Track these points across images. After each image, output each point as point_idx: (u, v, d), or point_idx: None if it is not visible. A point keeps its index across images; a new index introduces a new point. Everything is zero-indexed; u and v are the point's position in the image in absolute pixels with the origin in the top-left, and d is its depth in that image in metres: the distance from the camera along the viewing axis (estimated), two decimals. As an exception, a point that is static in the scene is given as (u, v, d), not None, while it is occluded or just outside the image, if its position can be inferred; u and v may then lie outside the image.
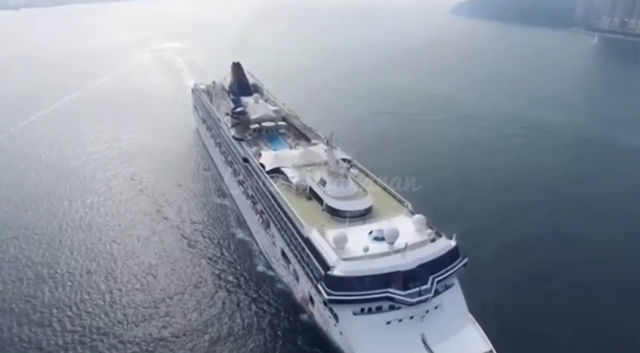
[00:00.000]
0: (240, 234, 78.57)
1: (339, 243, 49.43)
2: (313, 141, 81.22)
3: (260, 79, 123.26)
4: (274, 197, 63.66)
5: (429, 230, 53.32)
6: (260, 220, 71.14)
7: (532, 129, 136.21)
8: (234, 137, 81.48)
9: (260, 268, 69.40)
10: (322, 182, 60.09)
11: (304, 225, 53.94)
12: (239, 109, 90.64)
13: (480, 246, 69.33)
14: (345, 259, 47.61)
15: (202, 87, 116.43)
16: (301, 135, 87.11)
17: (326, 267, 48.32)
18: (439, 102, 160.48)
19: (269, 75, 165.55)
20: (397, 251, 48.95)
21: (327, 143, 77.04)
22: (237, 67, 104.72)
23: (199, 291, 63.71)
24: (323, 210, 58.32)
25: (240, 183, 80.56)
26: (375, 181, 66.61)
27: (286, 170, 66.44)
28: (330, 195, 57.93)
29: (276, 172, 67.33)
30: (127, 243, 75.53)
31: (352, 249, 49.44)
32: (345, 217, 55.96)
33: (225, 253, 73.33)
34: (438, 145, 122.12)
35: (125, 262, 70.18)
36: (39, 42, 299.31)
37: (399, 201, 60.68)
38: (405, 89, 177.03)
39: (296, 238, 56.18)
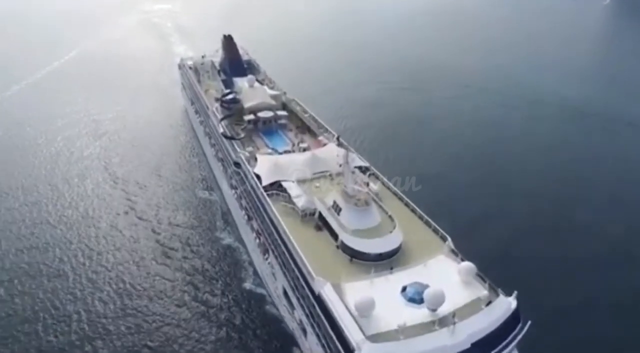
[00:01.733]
0: (227, 239, 67.49)
1: (364, 311, 36.17)
2: (320, 138, 66.86)
3: (257, 53, 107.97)
4: (273, 224, 50.06)
5: (480, 284, 40.01)
6: (257, 240, 57.98)
7: (557, 107, 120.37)
8: (223, 135, 66.79)
9: (248, 285, 59.27)
10: (336, 208, 46.30)
11: (314, 276, 40.53)
12: (230, 96, 75.56)
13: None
14: (373, 340, 34.39)
15: (190, 63, 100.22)
16: (305, 128, 72.65)
17: (347, 347, 35.20)
18: (445, 73, 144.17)
19: (266, 47, 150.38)
20: (442, 322, 35.80)
21: (338, 141, 63.81)
22: (228, 42, 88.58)
23: (173, 324, 53.09)
24: (337, 247, 44.77)
25: (233, 187, 66.78)
26: (400, 198, 52.76)
27: (288, 186, 52.38)
28: (347, 228, 44.27)
29: (276, 188, 53.30)
30: (84, 255, 63.71)
31: (381, 319, 36.20)
32: (367, 260, 42.56)
33: (208, 266, 62.38)
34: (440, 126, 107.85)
35: (78, 281, 58.79)
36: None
37: (434, 231, 47.07)
38: (419, 61, 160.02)
39: (303, 288, 43.01)
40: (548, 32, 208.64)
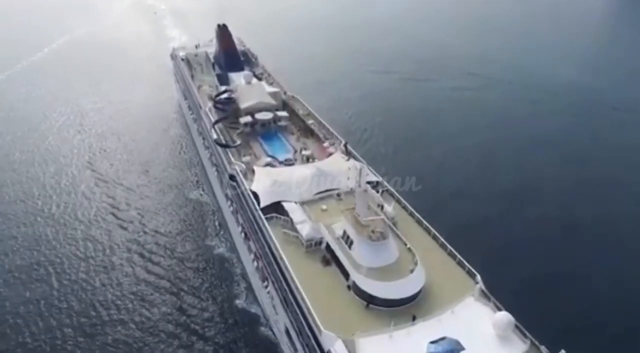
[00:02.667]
0: (219, 248, 62.06)
1: (383, 382, 29.80)
2: (325, 144, 59.82)
3: (254, 41, 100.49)
4: (273, 255, 43.45)
5: (520, 339, 33.55)
6: (254, 262, 51.56)
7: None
8: (217, 143, 59.59)
9: (241, 303, 53.95)
10: (347, 239, 39.60)
11: (322, 329, 34.06)
12: (225, 95, 68.21)
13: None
14: None
15: (182, 54, 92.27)
16: (308, 131, 65.53)
17: None
18: (451, 61, 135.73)
19: (263, 34, 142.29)
20: (479, 395, 29.52)
21: (345, 149, 56.81)
22: (223, 32, 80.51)
23: (154, 342, 48.40)
24: (349, 287, 38.24)
25: (228, 198, 60.08)
26: (418, 221, 46.07)
27: (290, 209, 45.55)
28: (361, 265, 37.65)
29: (276, 210, 46.48)
30: (52, 270, 57.72)
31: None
32: (385, 306, 36.09)
33: (196, 278, 57.22)
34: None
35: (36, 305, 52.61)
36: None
37: (460, 265, 40.55)
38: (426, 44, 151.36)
39: (309, 339, 36.63)
40: (559, 20, 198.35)
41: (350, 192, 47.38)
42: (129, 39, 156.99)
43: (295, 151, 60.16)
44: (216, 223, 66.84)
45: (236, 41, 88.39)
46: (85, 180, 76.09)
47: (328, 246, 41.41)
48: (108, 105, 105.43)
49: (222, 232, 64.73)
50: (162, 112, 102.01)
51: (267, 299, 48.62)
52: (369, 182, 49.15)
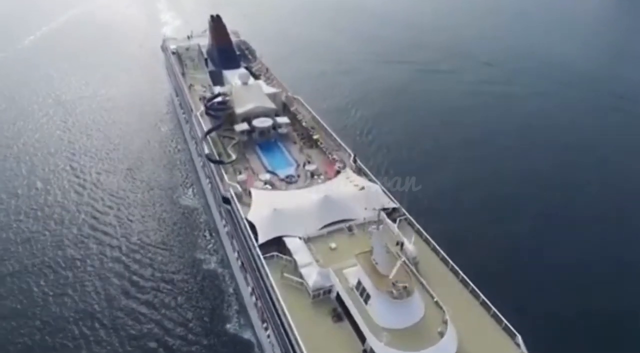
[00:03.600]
0: (210, 262, 55.90)
1: None
2: (332, 157, 52.62)
3: (251, 32, 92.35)
4: (274, 305, 36.75)
5: None
6: (252, 296, 45.03)
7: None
8: (208, 158, 52.32)
9: (232, 327, 47.95)
10: (362, 292, 32.91)
11: None
12: (218, 99, 60.68)
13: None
14: None
15: (173, 47, 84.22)
16: (311, 139, 58.39)
17: None
18: (462, 48, 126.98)
19: (261, 23, 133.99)
20: None
21: (355, 164, 49.82)
22: (217, 24, 72.61)
23: None
24: (365, 353, 31.65)
25: (223, 217, 53.26)
26: (443, 259, 39.25)
27: (293, 247, 38.63)
28: (381, 327, 31.00)
29: (276, 247, 39.61)
30: (24, 285, 52.15)
31: None
32: None
33: (182, 298, 50.95)
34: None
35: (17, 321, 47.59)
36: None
37: (494, 318, 33.90)
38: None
39: None
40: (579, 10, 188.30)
41: (364, 223, 40.69)
42: (119, 23, 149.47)
43: (298, 165, 53.12)
44: (207, 234, 60.32)
45: (232, 33, 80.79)
46: (62, 183, 69.50)
47: (339, 296, 34.71)
48: (94, 96, 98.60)
49: (213, 244, 58.28)
50: (153, 105, 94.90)
51: (268, 344, 42.18)
52: (384, 209, 42.47)
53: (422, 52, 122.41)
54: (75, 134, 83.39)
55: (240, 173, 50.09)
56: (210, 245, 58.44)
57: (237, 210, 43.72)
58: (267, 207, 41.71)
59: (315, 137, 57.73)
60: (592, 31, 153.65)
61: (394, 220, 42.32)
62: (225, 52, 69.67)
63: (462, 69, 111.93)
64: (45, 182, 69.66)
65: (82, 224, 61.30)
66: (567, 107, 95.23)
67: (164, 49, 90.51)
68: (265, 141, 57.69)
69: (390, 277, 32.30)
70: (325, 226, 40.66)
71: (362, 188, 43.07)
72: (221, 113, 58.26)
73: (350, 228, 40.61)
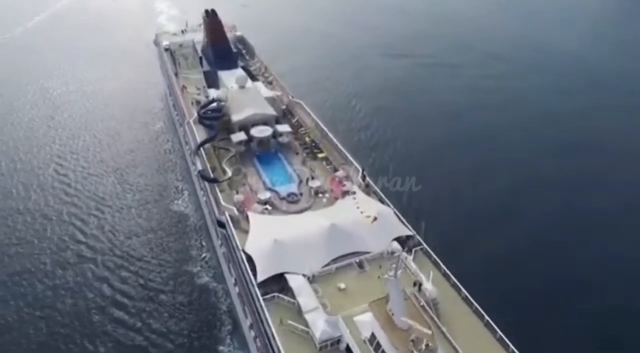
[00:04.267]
0: (202, 276, 51.58)
1: None
2: (338, 173, 47.72)
3: (250, 27, 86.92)
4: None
5: None
6: (252, 332, 40.49)
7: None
8: (201, 176, 47.36)
9: (226, 350, 43.94)
10: (377, 348, 28.47)
11: None
12: (213, 105, 55.53)
13: None
14: None
15: (166, 43, 78.63)
16: (315, 149, 53.55)
17: None
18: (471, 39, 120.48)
19: (259, 16, 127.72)
20: None
21: (363, 181, 45.18)
22: (212, 20, 66.97)
23: None
24: None
25: (219, 237, 48.58)
26: (466, 300, 34.61)
27: (297, 288, 34.07)
28: (397, 393, 26.60)
29: (278, 285, 35.04)
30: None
31: None
32: None
33: (171, 318, 46.63)
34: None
35: None
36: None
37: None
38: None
39: None
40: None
41: (375, 258, 36.17)
42: (112, 12, 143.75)
43: (301, 181, 48.28)
44: (200, 244, 55.87)
45: (228, 28, 75.46)
46: (45, 188, 64.88)
47: (349, 349, 30.25)
48: (85, 91, 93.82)
49: (207, 256, 53.84)
50: (147, 101, 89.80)
51: None
52: (397, 238, 38.03)
53: (430, 45, 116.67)
54: (62, 133, 78.62)
55: (237, 192, 45.32)
56: (204, 255, 54.08)
57: (234, 238, 39.07)
58: (267, 237, 37.06)
59: (319, 150, 52.86)
60: (600, 24, 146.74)
61: (410, 250, 37.80)
62: (221, 51, 64.23)
63: (468, 64, 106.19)
64: (27, 186, 64.96)
65: (64, 233, 57.00)
66: (589, 106, 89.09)
67: (156, 43, 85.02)
68: (265, 152, 52.81)
69: (409, 330, 27.86)
70: (332, 261, 36.08)
71: (375, 219, 38.09)
72: (216, 122, 53.19)
73: (360, 265, 36.09)
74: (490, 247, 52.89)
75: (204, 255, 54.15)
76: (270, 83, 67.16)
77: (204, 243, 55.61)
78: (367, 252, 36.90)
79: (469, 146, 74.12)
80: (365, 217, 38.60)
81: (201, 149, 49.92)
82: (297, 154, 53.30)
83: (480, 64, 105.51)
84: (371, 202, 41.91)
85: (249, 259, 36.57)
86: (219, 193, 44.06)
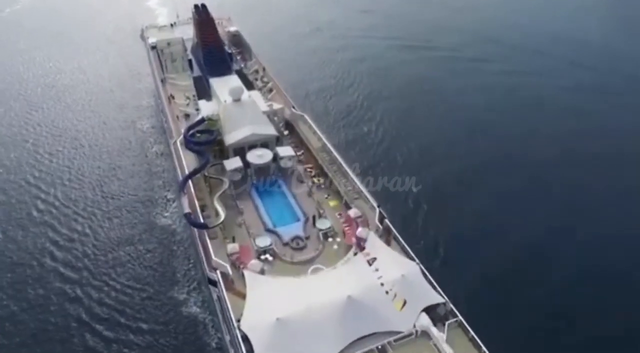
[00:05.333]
0: (190, 306, 44.43)
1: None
2: (351, 212, 40.17)
3: (247, 21, 78.32)
4: None
5: None
6: None
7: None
8: (187, 221, 39.60)
9: None
10: None
11: None
12: (203, 126, 47.54)
13: None
14: None
15: (152, 41, 69.92)
16: (323, 176, 46.10)
17: None
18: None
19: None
20: None
21: (381, 222, 38.00)
22: (203, 18, 58.04)
23: None
24: None
25: (210, 291, 41.37)
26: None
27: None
28: None
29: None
30: None
31: None
32: None
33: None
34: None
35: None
36: None
37: None
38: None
39: None
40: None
41: (403, 340, 29.14)
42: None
43: (307, 219, 40.99)
44: (190, 263, 48.72)
45: (221, 22, 67.40)
46: (14, 199, 57.82)
47: None
48: (65, 85, 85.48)
49: (196, 280, 46.87)
50: (133, 96, 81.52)
51: None
52: (427, 309, 30.99)
53: (448, 35, 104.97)
54: (39, 134, 70.87)
55: (233, 238, 38.11)
56: (193, 274, 47.11)
57: (228, 308, 31.89)
58: (267, 314, 29.85)
59: (326, 176, 45.41)
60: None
61: (442, 322, 30.81)
62: (213, 55, 55.76)
63: (491, 58, 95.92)
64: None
65: (32, 244, 50.53)
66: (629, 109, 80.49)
67: (143, 38, 76.44)
68: (264, 181, 45.32)
69: None
70: (348, 345, 29.03)
71: (404, 304, 30.77)
72: (202, 148, 45.39)
73: (383, 351, 28.98)
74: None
75: (191, 273, 47.03)
76: (270, 90, 59.15)
77: (192, 266, 48.32)
78: (391, 332, 29.80)
79: (488, 152, 66.31)
80: (385, 274, 31.56)
81: (189, 180, 42.30)
82: (301, 181, 45.80)
83: (505, 58, 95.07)
84: (393, 258, 34.60)
85: (246, 339, 29.51)
86: (209, 243, 36.71)
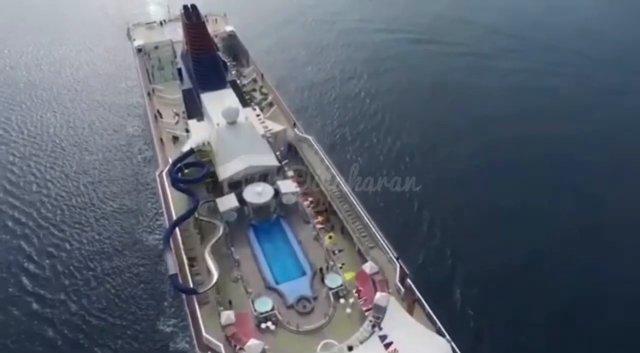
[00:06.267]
0: (177, 342, 39.24)
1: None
2: (366, 266, 34.13)
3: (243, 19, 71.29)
4: None
5: None
6: None
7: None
8: (173, 284, 33.44)
9: None
10: None
11: None
12: (191, 158, 40.99)
13: None
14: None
15: (138, 44, 62.82)
16: (330, 213, 40.03)
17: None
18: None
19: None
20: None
21: (402, 284, 32.16)
22: (193, 21, 50.17)
23: None
24: None
25: None
26: None
27: None
28: None
29: None
30: None
31: None
32: None
33: None
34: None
35: None
36: None
37: None
38: None
39: None
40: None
41: None
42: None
43: (315, 273, 35.10)
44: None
45: (214, 20, 60.36)
46: None
47: None
48: (48, 84, 77.98)
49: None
50: (123, 95, 74.45)
51: None
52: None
53: (463, 30, 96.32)
54: (18, 140, 64.51)
55: (230, 302, 32.30)
56: (182, 312, 41.67)
57: None
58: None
59: (335, 214, 39.35)
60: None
61: None
62: (204, 66, 48.49)
63: (507, 55, 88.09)
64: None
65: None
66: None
67: (129, 38, 69.17)
68: (264, 224, 39.28)
69: None
70: None
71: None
72: (195, 185, 39.07)
73: None
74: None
75: (180, 311, 41.21)
76: (270, 104, 52.49)
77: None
78: None
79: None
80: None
81: (176, 228, 36.13)
82: (307, 222, 39.69)
83: (509, 54, 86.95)
84: (419, 335, 28.84)
85: None
86: (199, 313, 30.83)
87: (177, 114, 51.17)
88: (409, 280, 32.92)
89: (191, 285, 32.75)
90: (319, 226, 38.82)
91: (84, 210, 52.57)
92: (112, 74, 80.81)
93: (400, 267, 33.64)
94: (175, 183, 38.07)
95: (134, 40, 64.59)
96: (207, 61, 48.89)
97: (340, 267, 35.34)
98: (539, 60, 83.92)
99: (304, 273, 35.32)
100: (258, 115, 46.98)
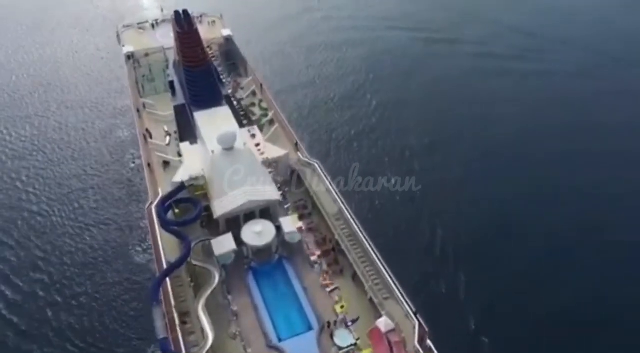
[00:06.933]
0: None
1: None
2: (380, 323, 30.21)
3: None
4: None
5: None
6: None
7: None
8: (162, 349, 29.40)
9: None
10: None
11: None
12: (182, 194, 36.82)
13: None
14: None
15: (128, 50, 58.21)
16: (339, 254, 36.13)
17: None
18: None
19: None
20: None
21: (421, 344, 28.23)
22: (185, 29, 45.11)
23: None
24: None
25: None
26: None
27: None
28: None
29: None
30: None
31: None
32: None
33: None
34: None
35: None
36: None
37: None
38: None
39: None
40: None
41: None
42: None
43: (323, 326, 31.29)
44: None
45: (213, 24, 55.69)
46: None
47: None
48: (35, 86, 74.20)
49: None
50: (113, 97, 70.49)
51: None
52: None
53: (479, 26, 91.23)
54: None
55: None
56: None
57: None
58: None
59: (344, 255, 35.39)
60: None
61: None
62: (198, 82, 43.97)
63: (527, 55, 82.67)
64: None
65: None
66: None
67: (119, 41, 64.39)
68: (264, 267, 35.34)
69: None
70: None
71: None
72: (188, 226, 34.93)
73: None
74: None
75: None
76: (270, 122, 48.09)
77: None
78: None
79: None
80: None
81: (166, 278, 32.10)
82: (313, 264, 35.71)
83: (524, 56, 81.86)
84: None
85: None
86: None
87: (168, 133, 46.86)
88: (429, 342, 29.06)
89: (183, 349, 28.83)
90: (325, 269, 34.93)
91: (72, 220, 49.65)
92: (104, 73, 76.61)
93: (420, 323, 29.72)
94: (164, 225, 33.92)
95: (124, 46, 59.87)
96: (201, 75, 44.16)
97: (352, 323, 31.50)
98: (542, 59, 79.48)
99: (310, 328, 31.53)
100: (257, 144, 42.66)
